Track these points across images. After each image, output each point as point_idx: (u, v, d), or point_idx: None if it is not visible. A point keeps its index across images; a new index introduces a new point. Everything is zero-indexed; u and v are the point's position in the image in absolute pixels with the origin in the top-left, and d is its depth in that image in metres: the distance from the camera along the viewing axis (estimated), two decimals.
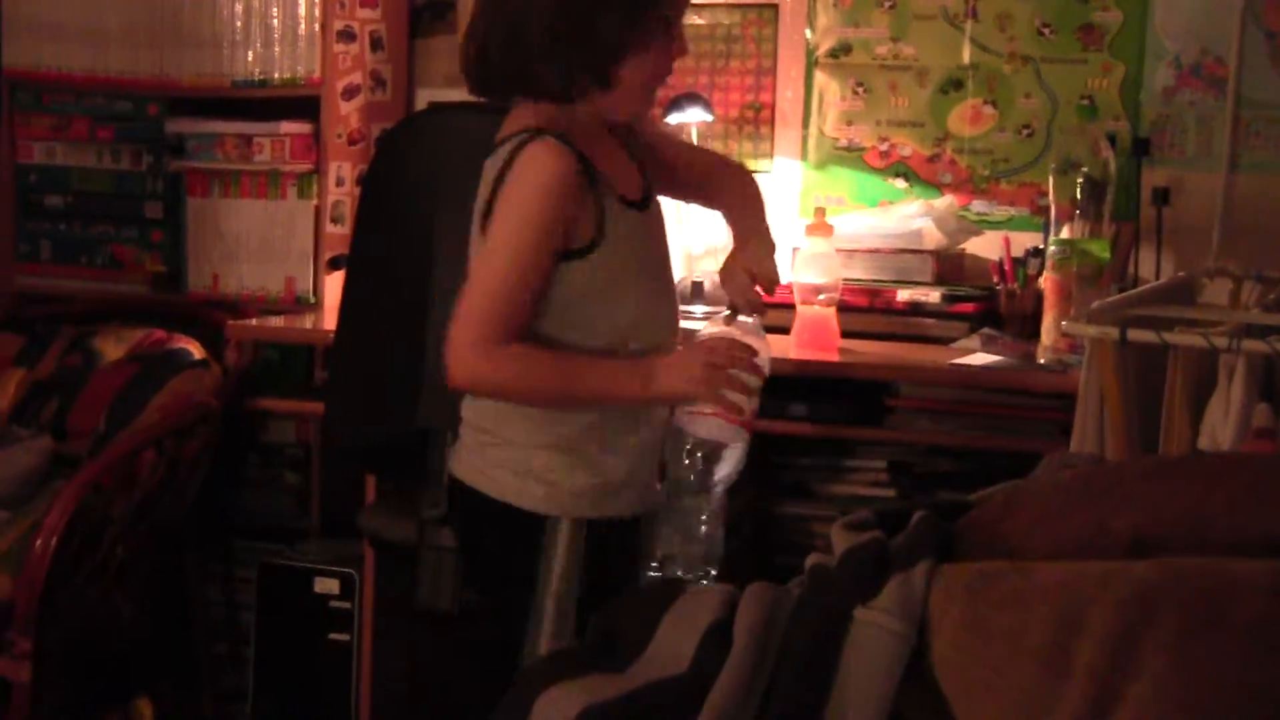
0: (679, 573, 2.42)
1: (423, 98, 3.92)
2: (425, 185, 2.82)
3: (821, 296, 3.19)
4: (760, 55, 3.72)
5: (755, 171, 3.63)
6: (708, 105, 3.54)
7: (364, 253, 2.97)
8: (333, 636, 3.51)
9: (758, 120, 3.73)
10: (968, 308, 3.29)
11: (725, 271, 2.50)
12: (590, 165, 2.31)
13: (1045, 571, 1.55)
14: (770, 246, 2.50)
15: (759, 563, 2.63)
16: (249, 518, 3.85)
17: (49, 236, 4.07)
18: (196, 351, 3.67)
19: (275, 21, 3.79)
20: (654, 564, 2.45)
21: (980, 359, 3.03)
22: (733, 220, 2.58)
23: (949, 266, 3.42)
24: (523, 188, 2.26)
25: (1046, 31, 3.48)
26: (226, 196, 3.87)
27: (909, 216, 3.43)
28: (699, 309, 3.35)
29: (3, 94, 4.05)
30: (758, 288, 2.44)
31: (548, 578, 2.40)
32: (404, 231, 2.85)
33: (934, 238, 3.37)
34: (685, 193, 2.70)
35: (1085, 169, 3.07)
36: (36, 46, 4.02)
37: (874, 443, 3.16)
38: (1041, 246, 3.21)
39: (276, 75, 3.80)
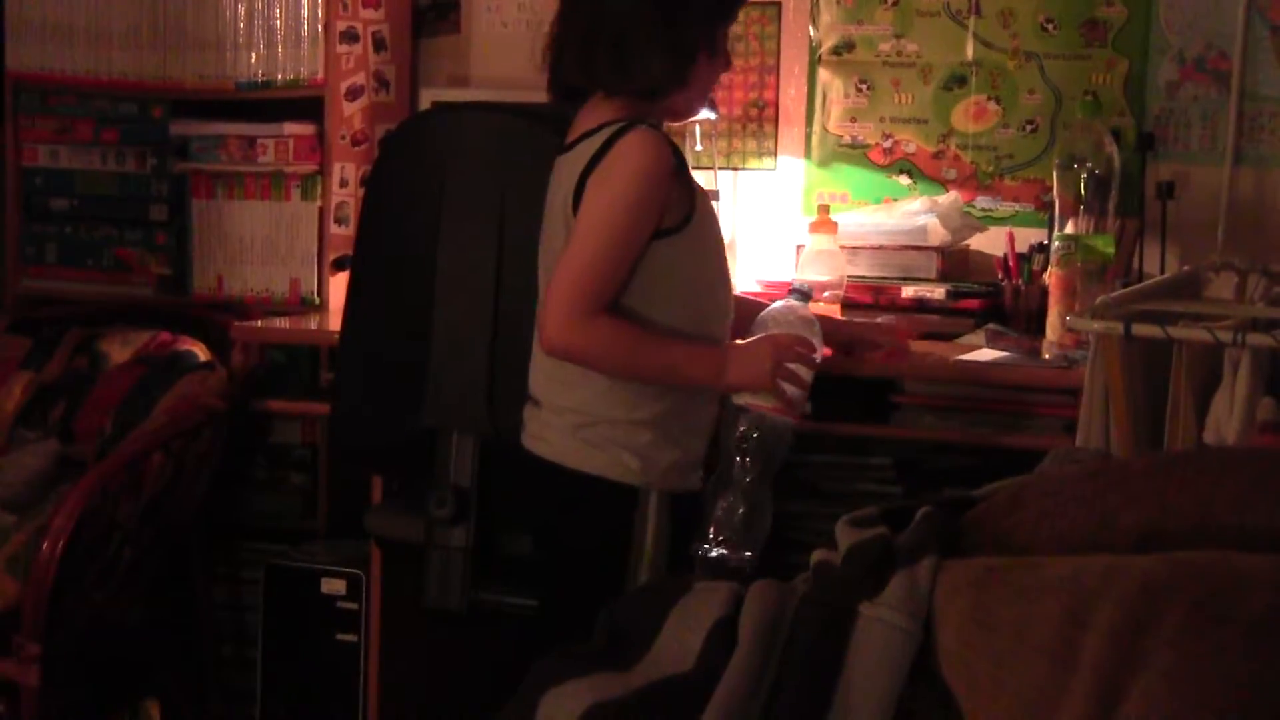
0: (725, 554, 2.55)
1: (426, 98, 3.91)
2: (429, 186, 2.83)
3: (826, 294, 3.19)
4: (764, 53, 3.71)
5: (759, 169, 3.67)
6: (712, 103, 3.54)
7: (368, 253, 2.98)
8: (340, 637, 3.50)
9: (761, 118, 3.73)
10: (973, 304, 3.29)
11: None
12: (680, 154, 2.49)
13: (1051, 566, 1.55)
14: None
15: (764, 560, 2.64)
16: (256, 519, 3.85)
17: (54, 239, 4.07)
18: (202, 354, 3.67)
19: (278, 23, 3.79)
20: (706, 544, 2.57)
21: (986, 355, 3.03)
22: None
23: (954, 263, 3.41)
24: (625, 171, 2.42)
25: (1050, 27, 3.48)
26: (231, 198, 3.87)
27: (913, 213, 3.43)
28: None
29: (7, 97, 4.05)
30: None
31: (641, 546, 2.54)
32: (408, 232, 2.86)
33: (939, 234, 3.37)
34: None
35: (1089, 164, 3.07)
36: (41, 49, 4.01)
37: (880, 439, 3.15)
38: (1046, 242, 3.21)
39: (280, 76, 3.80)
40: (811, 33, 3.67)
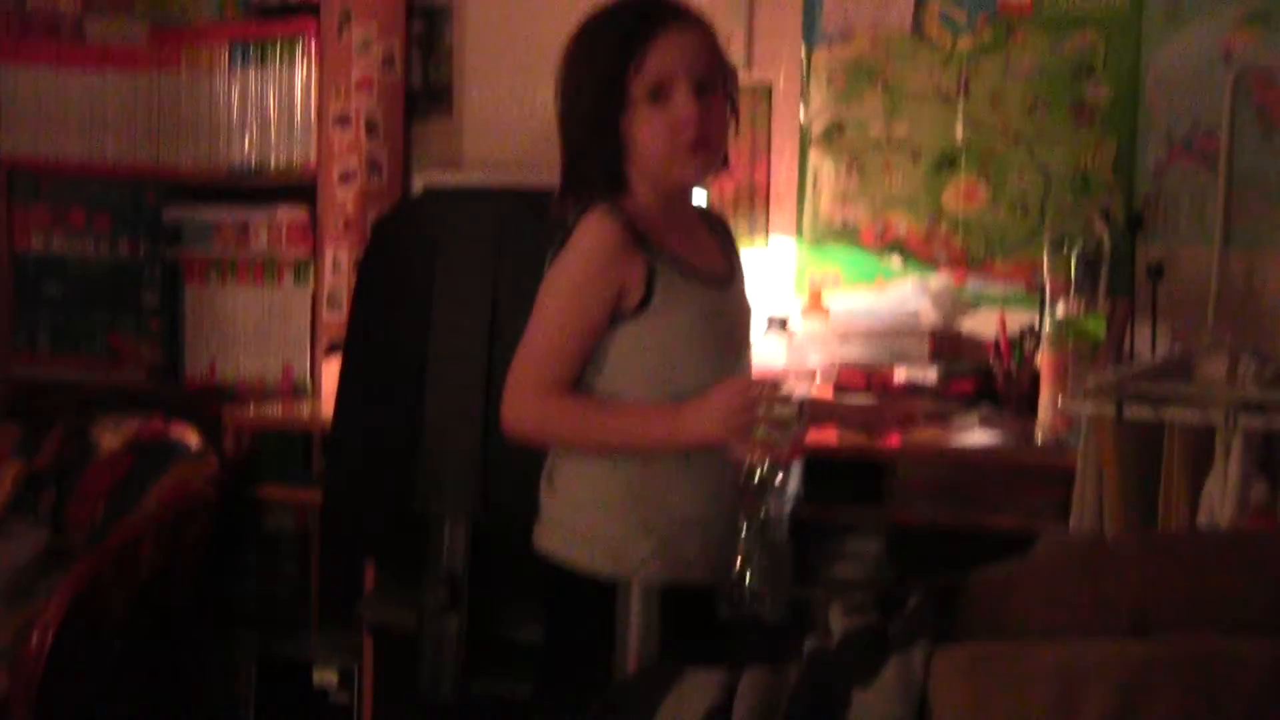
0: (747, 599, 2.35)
1: (419, 180, 3.92)
2: (421, 270, 2.83)
3: (818, 379, 3.20)
4: (755, 135, 3.73)
5: (751, 249, 3.67)
6: (725, 158, 3.54)
7: (360, 338, 2.97)
8: None
9: (753, 199, 3.74)
10: (965, 386, 3.29)
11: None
12: (639, 231, 2.37)
13: (1044, 652, 1.54)
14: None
15: (757, 645, 2.61)
16: (248, 607, 3.82)
17: (46, 325, 4.07)
18: (194, 441, 3.66)
19: (271, 108, 3.81)
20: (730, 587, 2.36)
21: (978, 438, 3.03)
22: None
23: (945, 345, 3.42)
24: (573, 250, 2.38)
25: (1038, 109, 3.50)
26: (223, 284, 3.87)
27: (905, 297, 3.43)
28: None
29: (0, 182, 4.06)
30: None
31: (624, 643, 2.43)
32: (400, 317, 2.86)
33: (930, 316, 3.37)
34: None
35: (1080, 245, 3.07)
36: (34, 135, 4.04)
37: (873, 523, 3.14)
38: (1037, 324, 3.21)
39: (273, 161, 3.81)
40: (802, 115, 3.69)
